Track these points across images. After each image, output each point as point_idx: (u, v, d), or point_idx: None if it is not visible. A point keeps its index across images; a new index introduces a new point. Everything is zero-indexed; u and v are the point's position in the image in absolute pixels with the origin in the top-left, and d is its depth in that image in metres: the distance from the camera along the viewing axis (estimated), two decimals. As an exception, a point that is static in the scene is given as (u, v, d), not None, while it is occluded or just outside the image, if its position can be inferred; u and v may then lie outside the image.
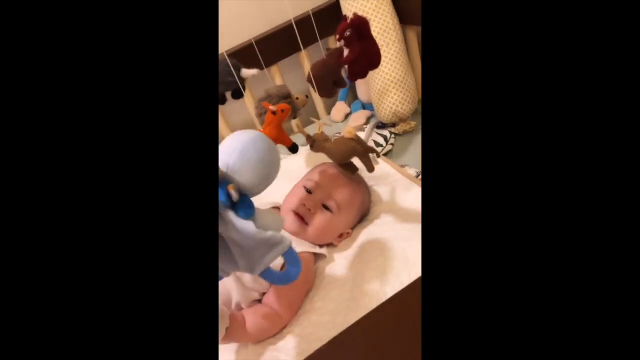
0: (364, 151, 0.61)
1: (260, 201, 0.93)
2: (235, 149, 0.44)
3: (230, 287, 0.66)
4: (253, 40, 0.66)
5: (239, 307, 0.66)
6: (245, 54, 0.78)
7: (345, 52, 0.64)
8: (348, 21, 0.62)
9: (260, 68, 0.64)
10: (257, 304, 0.67)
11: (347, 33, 0.62)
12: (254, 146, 0.45)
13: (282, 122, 0.66)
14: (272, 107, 0.64)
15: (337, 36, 0.63)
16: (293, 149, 0.68)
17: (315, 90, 0.67)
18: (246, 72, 0.61)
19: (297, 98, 0.64)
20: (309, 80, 0.64)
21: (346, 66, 0.64)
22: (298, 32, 0.99)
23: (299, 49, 1.03)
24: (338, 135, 1.07)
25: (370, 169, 0.61)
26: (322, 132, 0.64)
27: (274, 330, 0.64)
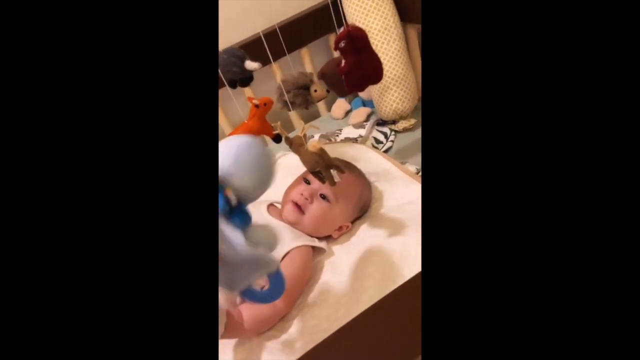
0: (325, 166, 0.62)
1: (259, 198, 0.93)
2: (229, 154, 0.44)
3: None
4: (263, 33, 0.67)
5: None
6: (249, 49, 0.79)
7: (343, 62, 0.65)
8: (345, 32, 0.62)
9: (264, 63, 0.65)
10: None
11: (342, 44, 0.62)
12: (248, 150, 0.45)
13: (265, 114, 0.71)
14: (255, 101, 0.68)
15: (334, 46, 0.64)
16: (277, 139, 0.74)
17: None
18: (250, 64, 0.63)
19: (315, 90, 0.65)
20: (321, 77, 0.65)
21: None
22: (299, 30, 1.00)
23: (301, 46, 1.04)
24: (338, 132, 1.08)
25: (331, 183, 0.63)
26: (302, 136, 0.65)
27: (272, 322, 0.65)
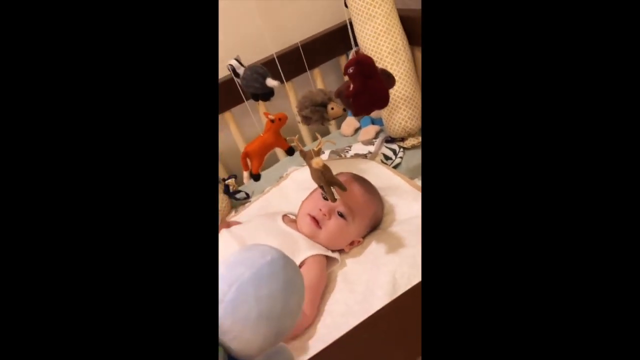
0: (326, 182, 0.64)
1: (273, 210, 0.96)
2: (227, 292, 0.32)
3: None
4: (275, 55, 0.72)
5: None
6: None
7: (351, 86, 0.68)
8: (354, 58, 0.65)
9: (282, 81, 0.69)
10: None
11: (350, 70, 0.65)
12: (254, 291, 0.31)
13: (279, 129, 0.74)
14: (270, 116, 0.71)
15: (344, 71, 0.67)
16: (289, 152, 0.77)
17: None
18: (270, 81, 0.66)
19: (332, 108, 0.69)
20: (337, 96, 0.68)
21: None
22: (312, 51, 1.05)
23: (313, 67, 1.08)
24: (348, 148, 1.12)
25: (332, 199, 0.64)
26: (315, 150, 0.67)
27: (300, 330, 0.67)
